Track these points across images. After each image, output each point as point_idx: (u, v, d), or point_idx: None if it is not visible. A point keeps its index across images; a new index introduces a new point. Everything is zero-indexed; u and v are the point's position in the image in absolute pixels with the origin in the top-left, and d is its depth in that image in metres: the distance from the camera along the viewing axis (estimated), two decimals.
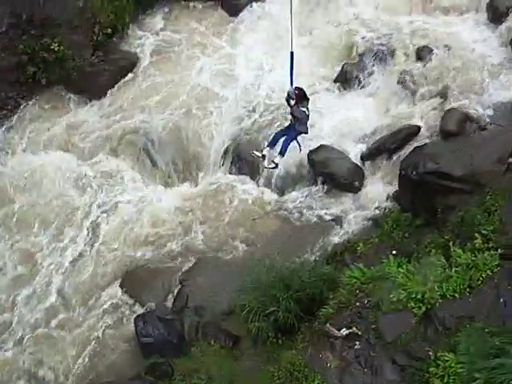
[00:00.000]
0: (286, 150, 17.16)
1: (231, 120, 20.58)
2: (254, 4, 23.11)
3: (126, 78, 21.49)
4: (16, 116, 20.91)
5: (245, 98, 21.05)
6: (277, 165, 17.36)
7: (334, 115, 20.33)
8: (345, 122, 20.17)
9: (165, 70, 21.62)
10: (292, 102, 16.48)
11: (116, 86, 21.40)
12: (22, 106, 21.02)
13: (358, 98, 20.75)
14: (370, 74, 20.94)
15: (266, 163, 17.33)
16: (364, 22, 21.88)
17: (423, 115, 19.58)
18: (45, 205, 19.46)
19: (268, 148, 17.38)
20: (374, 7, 22.46)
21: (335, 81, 21.19)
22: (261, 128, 20.37)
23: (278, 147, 17.21)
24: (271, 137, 17.69)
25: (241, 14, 23.00)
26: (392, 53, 20.95)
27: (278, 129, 18.51)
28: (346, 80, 20.99)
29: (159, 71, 21.63)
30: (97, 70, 21.07)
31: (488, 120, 18.66)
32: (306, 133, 17.29)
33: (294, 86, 16.26)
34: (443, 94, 19.70)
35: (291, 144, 17.13)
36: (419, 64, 20.47)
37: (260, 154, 17.36)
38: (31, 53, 20.15)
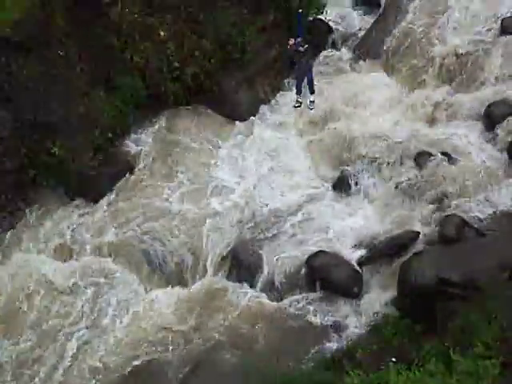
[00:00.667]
0: (313, 86, 22.64)
1: (230, 225, 20.47)
2: (257, 113, 23.53)
3: (125, 182, 21.50)
4: (16, 219, 20.79)
5: (244, 204, 21.01)
6: (301, 103, 22.93)
7: (333, 221, 20.34)
8: (343, 227, 20.15)
9: (163, 174, 21.68)
10: (301, 49, 21.72)
11: (115, 190, 21.40)
12: (22, 209, 20.92)
13: (356, 203, 20.81)
14: (369, 178, 21.06)
15: (306, 104, 22.83)
16: (363, 127, 22.08)
17: (422, 220, 19.57)
18: (33, 310, 19.17)
19: (298, 96, 22.88)
20: (370, 113, 22.71)
21: (334, 185, 21.30)
22: (259, 234, 20.33)
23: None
24: (295, 89, 23.06)
25: (242, 121, 23.23)
26: (390, 158, 21.11)
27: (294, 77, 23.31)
28: (344, 185, 21.09)
29: (158, 175, 21.67)
30: (96, 173, 21.09)
31: (486, 226, 18.67)
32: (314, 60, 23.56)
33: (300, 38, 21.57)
34: (441, 200, 19.77)
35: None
36: (417, 170, 20.60)
37: (298, 104, 22.91)
38: (32, 156, 20.27)
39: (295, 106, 22.95)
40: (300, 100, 22.81)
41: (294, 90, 23.13)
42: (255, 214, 20.69)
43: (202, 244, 20.08)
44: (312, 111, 22.70)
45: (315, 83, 22.80)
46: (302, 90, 22.77)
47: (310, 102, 22.66)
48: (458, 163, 20.43)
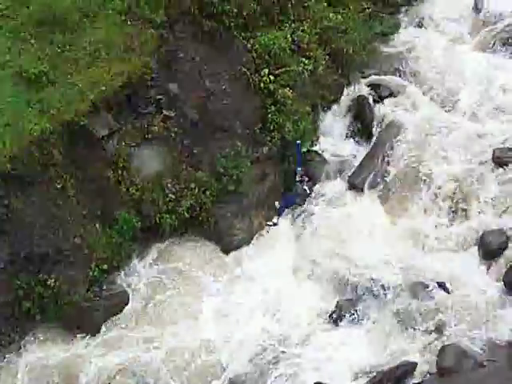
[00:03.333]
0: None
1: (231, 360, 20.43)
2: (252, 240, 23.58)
3: (120, 314, 21.39)
4: (9, 352, 20.53)
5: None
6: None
7: (329, 351, 20.17)
8: (340, 358, 19.95)
9: (158, 305, 21.64)
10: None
11: (110, 322, 21.24)
12: (16, 342, 20.66)
13: (353, 333, 20.65)
14: (365, 309, 21.00)
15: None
16: (357, 257, 22.19)
17: (419, 351, 19.50)
18: None
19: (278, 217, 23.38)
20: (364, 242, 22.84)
21: (330, 316, 21.14)
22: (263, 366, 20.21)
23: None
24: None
25: (237, 251, 23.23)
26: (386, 288, 21.12)
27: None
28: (340, 316, 20.97)
29: (153, 306, 21.63)
30: (92, 305, 20.96)
31: (485, 356, 18.52)
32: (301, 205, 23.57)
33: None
34: (439, 330, 19.77)
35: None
36: (414, 299, 20.64)
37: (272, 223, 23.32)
38: (27, 288, 20.14)
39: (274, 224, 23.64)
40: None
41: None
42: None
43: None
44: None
45: None
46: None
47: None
48: (454, 293, 20.51)
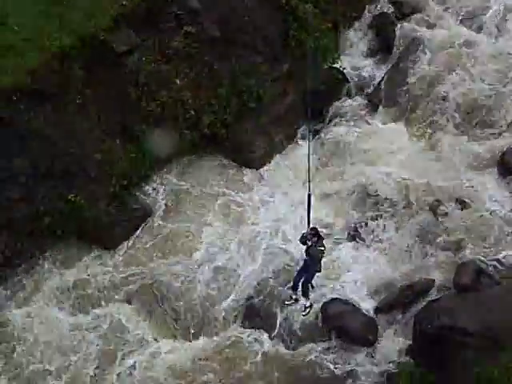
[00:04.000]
0: (307, 291, 18.83)
1: (246, 273, 20.58)
2: (273, 158, 23.62)
3: (141, 229, 21.57)
4: (30, 267, 20.82)
5: (259, 250, 21.08)
6: (297, 300, 19.21)
7: (348, 268, 20.40)
8: (359, 275, 20.18)
9: (179, 221, 21.71)
10: (309, 243, 17.76)
11: (131, 237, 21.45)
12: (36, 257, 20.94)
13: (371, 251, 20.81)
14: (385, 226, 21.08)
15: (300, 306, 19.24)
16: (376, 175, 22.15)
17: (437, 268, 19.65)
18: (48, 359, 19.25)
19: (293, 292, 19.24)
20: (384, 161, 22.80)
21: (349, 234, 21.30)
22: (276, 281, 20.33)
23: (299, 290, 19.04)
24: (292, 283, 19.22)
25: (259, 168, 23.31)
26: (406, 206, 21.17)
27: (295, 273, 19.34)
28: (359, 233, 21.11)
29: (173, 222, 21.68)
30: (112, 220, 21.13)
31: (502, 273, 18.65)
32: (319, 271, 18.62)
33: (310, 227, 17.65)
34: (457, 248, 19.88)
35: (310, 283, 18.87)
36: (433, 218, 20.69)
37: (290, 301, 19.44)
38: (48, 203, 20.32)
39: (286, 304, 19.72)
40: (294, 297, 19.51)
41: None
42: (274, 260, 20.80)
43: (218, 293, 20.20)
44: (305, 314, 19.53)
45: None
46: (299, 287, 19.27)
47: (305, 306, 19.30)
48: (472, 210, 20.47)
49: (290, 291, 19.45)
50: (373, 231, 21.04)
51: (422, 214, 20.93)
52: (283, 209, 22.14)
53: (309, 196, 17.57)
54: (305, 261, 18.56)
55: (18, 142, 19.75)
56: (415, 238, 20.49)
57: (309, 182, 17.76)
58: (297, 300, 19.23)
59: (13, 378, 18.87)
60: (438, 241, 20.23)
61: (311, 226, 17.80)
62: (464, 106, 23.08)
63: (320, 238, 17.92)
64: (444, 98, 23.37)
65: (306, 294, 18.95)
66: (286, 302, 19.48)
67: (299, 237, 18.23)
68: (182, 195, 22.27)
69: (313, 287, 19.03)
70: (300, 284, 18.89)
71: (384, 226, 21.05)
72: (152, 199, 22.14)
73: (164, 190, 22.43)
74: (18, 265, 20.55)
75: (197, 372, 18.71)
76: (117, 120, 21.56)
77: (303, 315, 19.15)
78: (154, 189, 22.40)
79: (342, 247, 21.07)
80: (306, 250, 18.06)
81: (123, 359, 19.14)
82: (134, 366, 18.99)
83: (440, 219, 20.60)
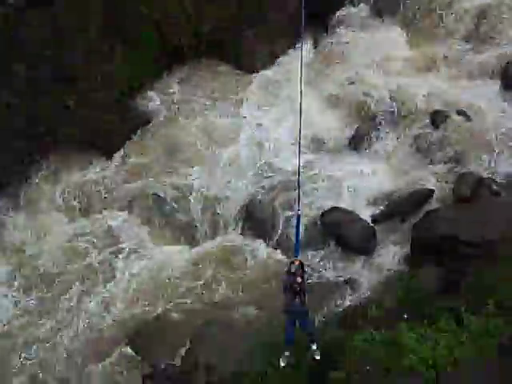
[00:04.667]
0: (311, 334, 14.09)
1: (245, 180, 20.68)
2: (269, 67, 23.43)
3: (140, 136, 21.63)
4: (31, 171, 20.97)
5: (257, 158, 21.14)
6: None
7: (348, 177, 20.38)
8: (358, 184, 20.21)
9: (178, 128, 21.75)
10: (299, 279, 13.16)
11: (130, 144, 21.54)
12: (37, 162, 21.06)
13: (371, 160, 20.88)
14: (384, 136, 21.08)
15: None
16: (377, 84, 22.02)
17: (436, 179, 19.64)
18: (50, 262, 19.53)
19: (286, 348, 14.02)
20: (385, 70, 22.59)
21: (349, 143, 21.28)
22: (275, 189, 20.40)
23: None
24: (286, 335, 13.93)
25: (255, 75, 23.17)
26: (406, 116, 21.12)
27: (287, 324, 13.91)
28: (359, 142, 21.11)
29: (173, 129, 21.74)
30: (112, 127, 21.18)
31: (501, 185, 18.70)
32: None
33: (298, 260, 13.27)
34: (457, 159, 19.84)
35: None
36: (433, 128, 20.60)
37: (283, 363, 14.11)
38: (48, 109, 20.28)
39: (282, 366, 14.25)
40: (287, 354, 14.11)
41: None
42: (272, 165, 20.90)
43: (216, 201, 20.31)
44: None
45: None
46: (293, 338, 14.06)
47: (314, 351, 14.14)
48: (474, 122, 20.37)
49: (283, 347, 14.14)
50: (373, 141, 21.02)
51: (423, 124, 20.83)
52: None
53: (298, 217, 13.49)
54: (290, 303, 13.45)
55: (15, 47, 19.59)
56: (415, 149, 20.45)
57: (298, 175, 14.19)
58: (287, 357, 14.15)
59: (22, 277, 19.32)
60: (437, 151, 20.16)
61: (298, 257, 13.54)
62: (469, 17, 22.73)
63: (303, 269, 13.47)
64: (449, 8, 22.95)
65: (312, 339, 14.11)
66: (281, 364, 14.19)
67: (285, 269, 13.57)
68: (181, 103, 22.14)
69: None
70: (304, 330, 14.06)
71: (384, 135, 21.05)
72: (152, 106, 22.02)
73: (164, 97, 22.29)
74: (17, 171, 20.59)
75: (196, 275, 18.95)
76: (118, 25, 21.26)
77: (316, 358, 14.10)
78: (155, 96, 22.26)
79: (341, 157, 21.09)
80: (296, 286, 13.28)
81: (123, 264, 19.41)
82: (133, 269, 19.31)
83: (440, 130, 20.46)
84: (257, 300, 18.29)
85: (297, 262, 13.16)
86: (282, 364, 14.07)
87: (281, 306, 13.69)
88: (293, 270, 13.05)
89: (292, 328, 13.73)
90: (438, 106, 20.94)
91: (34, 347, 18.03)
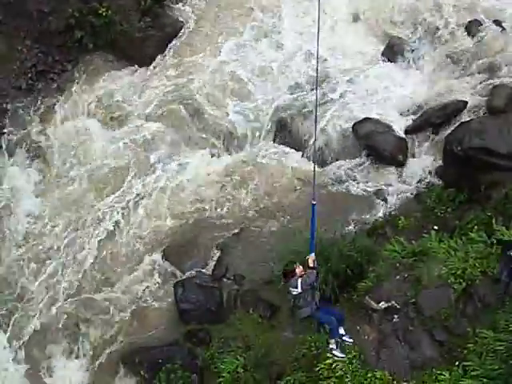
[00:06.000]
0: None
1: (278, 90, 20.48)
2: None
3: (172, 44, 21.39)
4: (62, 80, 20.91)
5: (291, 68, 20.88)
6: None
7: (380, 88, 20.15)
8: (391, 95, 19.99)
9: (210, 35, 21.54)
10: (315, 284, 12.61)
11: (162, 52, 21.33)
12: (68, 71, 21.01)
13: (404, 71, 20.57)
14: (418, 47, 20.73)
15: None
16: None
17: (470, 90, 19.35)
18: (85, 170, 19.68)
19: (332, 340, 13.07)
20: None
21: (382, 54, 20.93)
22: (307, 99, 20.07)
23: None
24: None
25: None
26: (440, 26, 20.68)
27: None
28: (392, 54, 20.76)
29: (205, 37, 21.53)
30: (143, 35, 20.99)
31: None
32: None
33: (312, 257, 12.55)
34: (491, 70, 19.49)
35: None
36: (468, 38, 20.24)
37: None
38: (79, 17, 20.16)
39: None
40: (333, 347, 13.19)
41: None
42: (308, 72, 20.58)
43: (251, 107, 20.21)
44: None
45: None
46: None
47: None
48: (509, 32, 19.94)
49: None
50: (408, 51, 20.64)
51: (457, 34, 20.43)
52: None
53: (313, 206, 12.26)
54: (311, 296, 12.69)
55: None
56: (450, 59, 20.09)
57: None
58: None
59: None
60: (472, 62, 19.81)
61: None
62: None
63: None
64: None
65: (335, 334, 13.08)
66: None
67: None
68: (212, 8, 21.99)
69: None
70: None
71: (418, 45, 20.65)
72: (184, 14, 21.79)
73: (195, 4, 22.02)
74: (50, 79, 20.61)
75: (227, 184, 19.07)
76: None
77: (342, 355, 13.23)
78: (185, 5, 21.98)
79: (375, 66, 20.77)
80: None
81: (156, 168, 19.59)
82: (166, 173, 19.47)
83: (476, 40, 20.08)
84: (287, 209, 18.41)
85: (313, 257, 12.48)
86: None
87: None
88: (311, 265, 12.42)
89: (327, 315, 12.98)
90: (474, 16, 20.47)
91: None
